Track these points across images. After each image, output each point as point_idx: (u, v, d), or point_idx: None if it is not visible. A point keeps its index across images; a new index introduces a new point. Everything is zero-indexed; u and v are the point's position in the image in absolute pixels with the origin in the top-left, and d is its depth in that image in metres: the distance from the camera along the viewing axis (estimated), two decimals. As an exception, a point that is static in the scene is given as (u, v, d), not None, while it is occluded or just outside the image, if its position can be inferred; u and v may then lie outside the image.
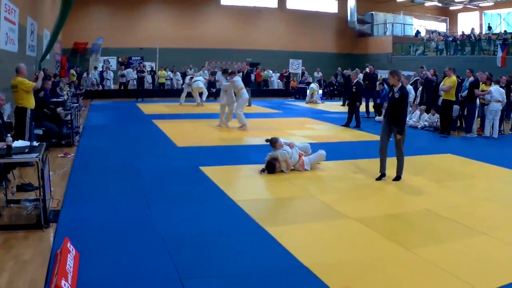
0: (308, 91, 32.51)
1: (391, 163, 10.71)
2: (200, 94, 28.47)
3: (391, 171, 10.70)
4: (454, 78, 17.47)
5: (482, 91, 17.64)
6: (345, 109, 24.77)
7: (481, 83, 17.78)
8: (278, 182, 10.29)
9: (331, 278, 5.59)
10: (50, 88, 16.60)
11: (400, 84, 10.62)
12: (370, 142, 15.48)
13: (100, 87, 33.28)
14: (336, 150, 13.65)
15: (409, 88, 20.99)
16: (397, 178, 10.63)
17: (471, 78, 18.57)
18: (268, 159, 11.03)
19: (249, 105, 27.10)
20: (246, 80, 28.74)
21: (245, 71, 28.91)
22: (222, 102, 18.35)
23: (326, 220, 7.86)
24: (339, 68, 36.45)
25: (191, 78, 28.58)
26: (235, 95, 17.77)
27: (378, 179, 10.67)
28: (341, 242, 6.99)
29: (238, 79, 18.08)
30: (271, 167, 10.89)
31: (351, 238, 7.12)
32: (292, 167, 11.06)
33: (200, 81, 28.59)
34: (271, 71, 39.05)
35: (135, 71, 32.58)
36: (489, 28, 41.88)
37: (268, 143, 11.27)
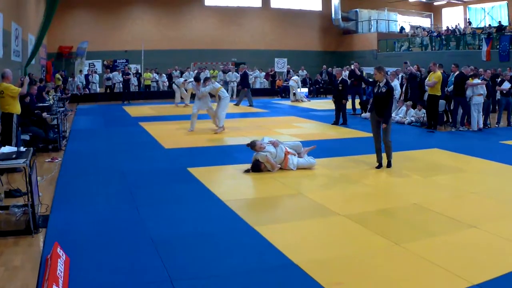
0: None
1: (382, 161, 10.79)
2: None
3: (373, 169, 10.76)
4: (439, 73, 17.59)
5: None
6: (332, 106, 24.88)
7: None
8: (267, 181, 10.30)
9: (322, 275, 5.60)
10: (36, 93, 16.53)
11: (385, 80, 11.37)
12: (357, 139, 15.56)
13: (87, 91, 33.08)
14: (324, 147, 13.68)
15: (395, 84, 21.09)
16: (389, 164, 11.39)
17: (457, 73, 18.67)
18: (253, 160, 11.07)
19: (251, 105, 27.20)
20: (244, 80, 28.81)
21: (243, 72, 28.95)
22: (196, 110, 17.71)
23: (315, 218, 7.89)
24: (324, 66, 36.50)
25: (185, 80, 28.40)
26: (219, 98, 17.50)
27: (378, 167, 11.43)
28: (331, 239, 7.02)
29: (212, 85, 17.75)
30: (256, 168, 10.96)
31: (341, 235, 7.16)
32: (280, 166, 11.06)
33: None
34: (257, 71, 38.97)
35: (120, 74, 32.52)
36: (469, 23, 42.13)
37: (249, 147, 11.26)
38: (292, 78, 32.58)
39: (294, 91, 31.72)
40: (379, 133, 11.38)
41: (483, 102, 18.01)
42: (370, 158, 12.18)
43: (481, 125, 17.99)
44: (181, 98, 28.29)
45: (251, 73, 32.98)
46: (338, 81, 19.92)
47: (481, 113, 17.99)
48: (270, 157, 10.89)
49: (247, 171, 11.02)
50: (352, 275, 5.68)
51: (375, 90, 11.47)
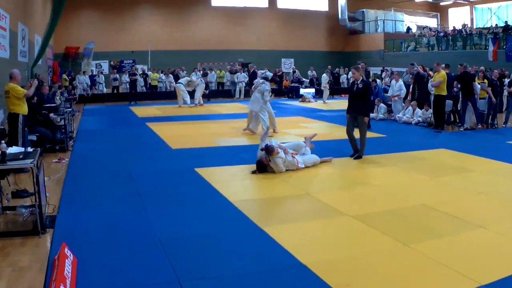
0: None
1: (385, 161, 10.74)
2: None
3: (381, 169, 10.73)
4: (443, 72, 17.56)
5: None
6: (338, 107, 24.82)
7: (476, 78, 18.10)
8: (274, 182, 10.28)
9: (330, 275, 5.59)
10: (47, 93, 16.60)
11: (361, 77, 12.51)
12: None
13: (89, 91, 33.02)
14: (331, 148, 13.65)
15: (400, 84, 21.07)
16: (359, 157, 12.42)
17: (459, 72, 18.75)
18: (258, 160, 11.04)
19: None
20: (253, 80, 28.41)
21: (252, 71, 28.80)
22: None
23: (323, 218, 7.86)
24: (329, 67, 36.49)
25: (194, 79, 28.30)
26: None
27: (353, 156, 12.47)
28: (339, 239, 7.00)
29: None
30: (262, 168, 10.93)
31: (349, 236, 7.14)
32: (285, 169, 11.01)
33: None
34: (267, 71, 38.86)
35: (127, 74, 32.57)
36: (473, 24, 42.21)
37: (265, 150, 10.99)
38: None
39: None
40: (352, 129, 12.54)
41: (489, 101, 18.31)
42: (377, 158, 12.20)
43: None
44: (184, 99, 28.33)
45: (263, 72, 32.99)
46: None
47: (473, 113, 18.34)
48: (281, 163, 10.85)
49: (253, 172, 10.99)
50: (360, 276, 5.66)
51: (354, 88, 12.50)
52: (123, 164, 11.93)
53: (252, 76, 28.38)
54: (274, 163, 10.81)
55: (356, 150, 12.45)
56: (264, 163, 10.88)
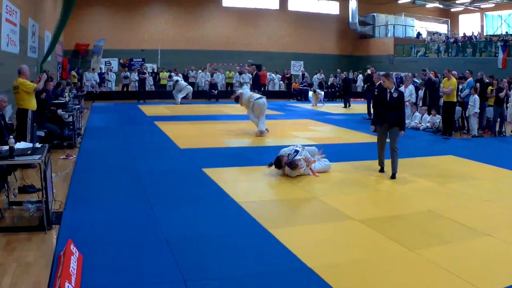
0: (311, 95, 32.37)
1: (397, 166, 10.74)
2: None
3: (388, 174, 10.73)
4: (454, 80, 17.58)
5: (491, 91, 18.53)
6: (347, 111, 24.83)
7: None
8: (282, 184, 10.27)
9: (336, 279, 5.58)
10: (52, 90, 16.59)
11: (394, 86, 11.24)
12: (372, 143, 15.46)
13: (98, 88, 33.13)
14: (339, 151, 13.65)
15: (411, 88, 21.05)
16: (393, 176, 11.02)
17: (470, 79, 18.72)
18: (279, 156, 10.96)
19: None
20: (255, 82, 28.32)
21: (254, 73, 28.76)
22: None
23: (330, 222, 7.84)
24: (338, 70, 36.42)
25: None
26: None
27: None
28: (345, 243, 6.98)
29: None
30: (278, 164, 10.85)
31: (355, 240, 7.11)
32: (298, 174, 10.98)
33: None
34: (273, 74, 38.96)
35: (136, 73, 32.66)
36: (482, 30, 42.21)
37: (288, 166, 10.77)
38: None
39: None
40: (385, 142, 11.46)
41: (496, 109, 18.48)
42: (385, 163, 12.15)
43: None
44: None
45: (274, 76, 33.11)
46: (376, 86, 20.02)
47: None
48: (296, 174, 10.79)
49: (270, 164, 10.98)
50: (365, 281, 5.64)
51: (387, 97, 11.07)
52: (131, 162, 11.95)
53: (255, 79, 28.12)
54: (289, 172, 10.78)
55: (383, 166, 11.49)
56: (281, 164, 10.83)
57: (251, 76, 31.75)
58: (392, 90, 11.05)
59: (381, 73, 13.46)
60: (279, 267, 5.95)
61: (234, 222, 7.72)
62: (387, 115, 11.13)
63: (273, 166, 10.89)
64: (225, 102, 30.53)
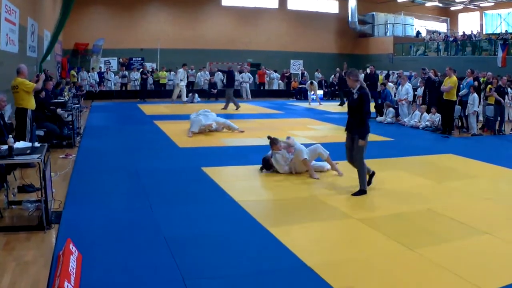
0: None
1: (392, 165, 10.70)
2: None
3: (387, 173, 10.70)
4: (454, 78, 17.56)
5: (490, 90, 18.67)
6: (344, 109, 24.82)
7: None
8: (280, 183, 10.29)
9: (334, 278, 5.58)
10: (51, 89, 16.59)
11: (358, 85, 9.41)
12: (372, 142, 15.47)
13: (97, 88, 33.15)
14: (338, 150, 13.61)
15: (407, 87, 21.06)
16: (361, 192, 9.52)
17: (470, 79, 18.73)
18: (264, 158, 11.15)
19: (225, 108, 25.86)
20: (229, 80, 26.88)
21: (229, 70, 27.79)
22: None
23: (329, 220, 7.85)
24: (338, 69, 36.43)
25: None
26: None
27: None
28: (344, 242, 7.01)
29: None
30: (267, 165, 11.03)
31: (354, 238, 7.12)
32: (289, 171, 10.99)
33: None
34: (274, 73, 38.93)
35: (136, 72, 32.71)
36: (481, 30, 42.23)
37: (269, 140, 11.15)
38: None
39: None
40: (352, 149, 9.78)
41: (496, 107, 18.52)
42: (384, 162, 12.15)
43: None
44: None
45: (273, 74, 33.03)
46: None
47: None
48: (281, 160, 10.84)
49: (261, 169, 11.09)
50: (364, 279, 5.64)
51: (349, 99, 9.82)
52: (130, 162, 11.94)
53: (229, 76, 27.00)
54: (274, 159, 10.85)
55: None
56: (267, 160, 10.94)
57: (250, 75, 31.73)
58: (354, 91, 9.44)
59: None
60: (278, 266, 5.96)
61: (233, 221, 7.72)
62: (348, 121, 9.80)
63: (264, 170, 11.01)
64: (224, 101, 30.55)
